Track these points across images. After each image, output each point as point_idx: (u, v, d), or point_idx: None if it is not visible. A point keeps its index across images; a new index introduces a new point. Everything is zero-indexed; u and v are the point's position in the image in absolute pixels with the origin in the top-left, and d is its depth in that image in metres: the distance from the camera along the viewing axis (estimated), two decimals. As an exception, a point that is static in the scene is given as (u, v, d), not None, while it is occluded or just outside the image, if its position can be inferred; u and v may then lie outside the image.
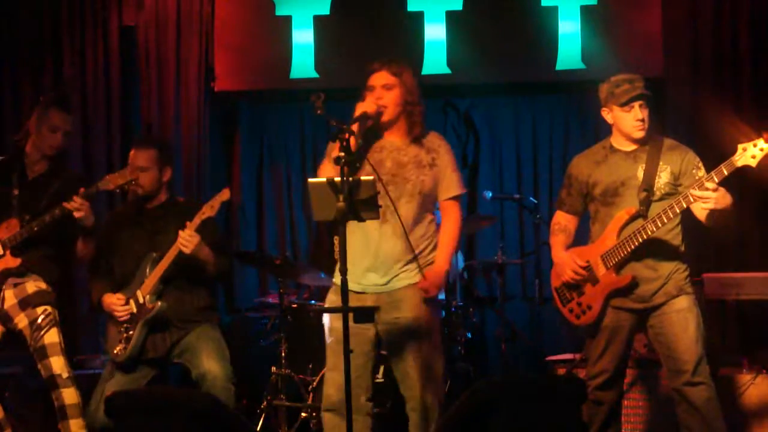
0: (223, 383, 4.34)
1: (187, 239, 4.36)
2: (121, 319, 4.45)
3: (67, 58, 6.59)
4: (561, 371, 5.08)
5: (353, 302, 3.87)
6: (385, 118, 4.02)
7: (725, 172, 3.74)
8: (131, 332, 4.42)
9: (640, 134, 4.06)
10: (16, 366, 5.03)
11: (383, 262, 3.97)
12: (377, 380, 4.74)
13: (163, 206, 4.62)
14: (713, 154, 6.26)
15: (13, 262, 4.46)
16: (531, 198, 6.54)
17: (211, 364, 4.37)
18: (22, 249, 4.47)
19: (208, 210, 4.43)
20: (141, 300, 4.44)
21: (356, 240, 3.94)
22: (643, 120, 4.04)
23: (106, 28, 6.64)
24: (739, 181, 6.21)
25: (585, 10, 6.55)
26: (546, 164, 6.95)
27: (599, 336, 4.11)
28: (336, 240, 4.16)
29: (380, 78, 4.04)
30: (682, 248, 4.07)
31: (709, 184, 3.74)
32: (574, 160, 4.29)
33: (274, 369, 5.40)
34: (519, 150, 7.00)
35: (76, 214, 4.37)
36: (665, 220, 3.89)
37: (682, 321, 3.98)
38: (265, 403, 5.40)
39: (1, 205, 4.51)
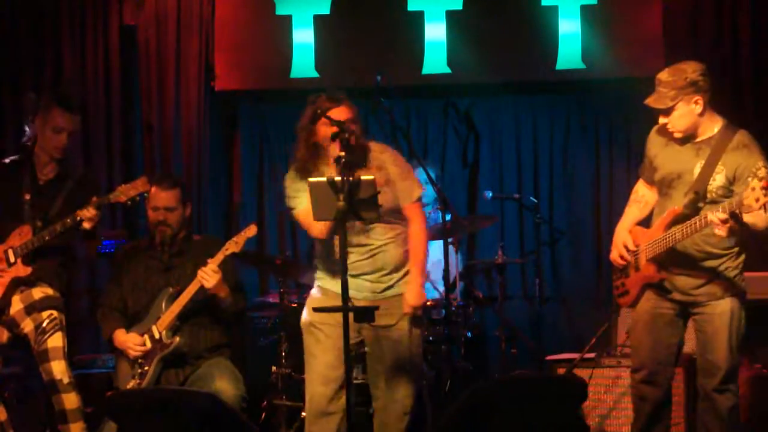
0: (233, 402, 4.27)
1: (209, 273, 4.35)
2: (134, 357, 4.44)
3: (67, 57, 6.59)
4: (561, 371, 5.07)
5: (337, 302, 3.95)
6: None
7: (736, 211, 3.58)
8: (146, 368, 4.40)
9: (675, 136, 3.94)
10: (16, 366, 5.02)
11: (376, 279, 4.07)
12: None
13: (180, 242, 4.62)
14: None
15: (23, 270, 4.43)
16: (531, 197, 6.54)
17: (222, 383, 4.33)
18: (32, 257, 4.44)
19: (233, 246, 4.42)
20: (157, 335, 4.43)
21: (349, 261, 3.95)
22: (666, 125, 3.92)
23: (107, 27, 6.63)
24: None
25: (585, 9, 6.54)
26: (546, 164, 6.94)
27: (637, 326, 4.06)
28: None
29: (343, 112, 3.99)
30: (733, 244, 3.93)
31: (719, 215, 3.59)
32: (653, 131, 4.10)
33: (274, 368, 5.40)
34: (519, 149, 7.00)
35: (86, 225, 4.35)
36: (688, 234, 3.78)
37: (723, 326, 3.91)
38: (265, 402, 5.40)
39: (12, 210, 4.47)
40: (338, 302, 3.94)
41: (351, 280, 3.91)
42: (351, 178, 3.54)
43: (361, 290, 4.05)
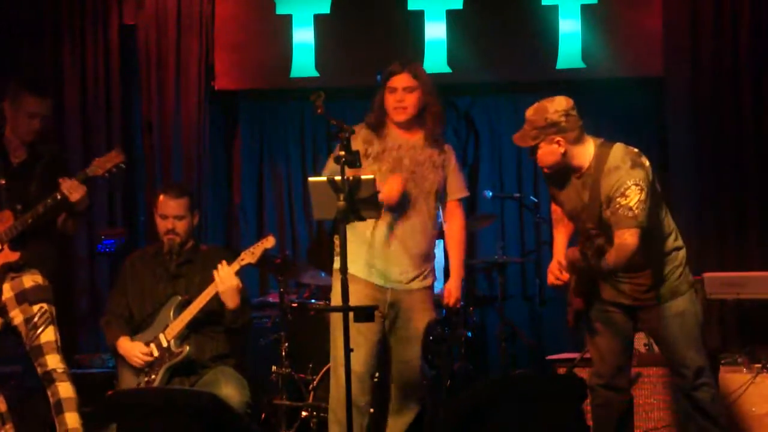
0: (239, 408, 4.22)
1: (225, 274, 4.33)
2: (138, 366, 4.42)
3: (67, 57, 6.59)
4: (561, 371, 5.07)
5: (374, 293, 4.01)
6: (403, 118, 4.11)
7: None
8: (153, 376, 4.36)
9: (546, 172, 3.93)
10: (15, 364, 5.02)
11: (406, 259, 4.07)
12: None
13: (188, 251, 4.60)
14: (713, 154, 6.32)
15: (12, 256, 4.40)
16: (531, 197, 6.54)
17: (228, 389, 4.30)
18: (19, 241, 4.41)
19: (249, 257, 4.40)
20: (165, 344, 4.40)
21: (379, 234, 4.03)
22: (534, 158, 3.91)
23: (106, 27, 6.63)
24: (740, 179, 6.25)
25: (585, 9, 6.54)
26: (546, 163, 6.93)
27: (588, 337, 4.06)
28: (336, 238, 4.18)
29: (402, 80, 4.08)
30: (662, 251, 3.91)
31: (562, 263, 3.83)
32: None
33: (274, 368, 5.39)
34: (519, 149, 6.91)
35: (75, 196, 4.32)
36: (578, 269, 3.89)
37: (680, 324, 3.91)
38: (265, 402, 5.40)
39: None
40: (370, 291, 4.05)
41: (381, 263, 4.00)
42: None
43: (387, 278, 4.07)
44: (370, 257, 4.06)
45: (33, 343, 4.39)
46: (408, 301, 4.11)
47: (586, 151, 3.86)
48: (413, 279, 4.11)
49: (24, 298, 4.42)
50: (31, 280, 4.46)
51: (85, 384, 4.63)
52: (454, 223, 4.25)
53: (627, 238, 3.68)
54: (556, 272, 3.98)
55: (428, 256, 4.19)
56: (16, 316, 4.42)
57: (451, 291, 4.19)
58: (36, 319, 4.41)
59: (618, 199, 3.69)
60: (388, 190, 3.99)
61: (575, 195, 3.91)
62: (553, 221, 4.22)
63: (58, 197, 4.34)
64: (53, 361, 4.39)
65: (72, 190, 4.33)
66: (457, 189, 4.24)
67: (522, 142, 3.87)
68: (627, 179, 3.72)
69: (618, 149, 3.84)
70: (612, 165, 3.78)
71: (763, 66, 6.34)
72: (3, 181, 4.43)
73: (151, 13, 6.62)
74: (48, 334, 4.41)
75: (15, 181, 4.44)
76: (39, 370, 4.40)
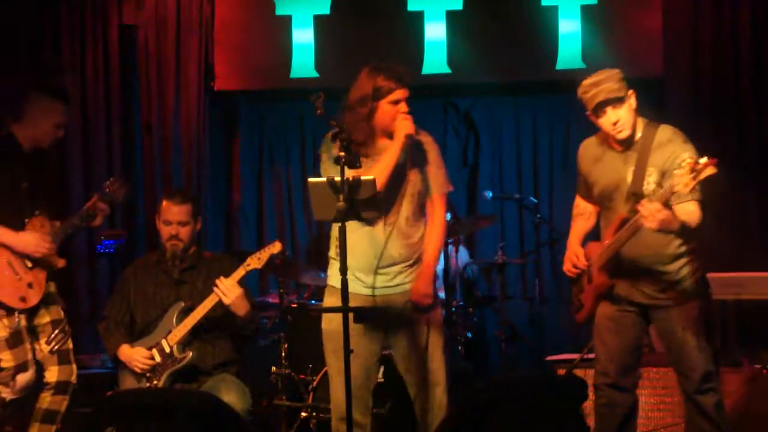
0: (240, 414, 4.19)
1: (228, 288, 4.32)
2: (141, 371, 4.41)
3: (67, 57, 6.59)
4: (561, 372, 5.07)
5: (361, 303, 3.89)
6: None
7: (669, 201, 3.63)
8: (155, 382, 4.36)
9: (622, 136, 3.86)
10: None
11: (391, 263, 3.97)
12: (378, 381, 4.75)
13: (191, 257, 4.60)
14: (713, 155, 6.31)
15: (61, 262, 4.40)
16: (531, 197, 6.54)
17: (230, 396, 4.28)
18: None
19: (255, 262, 4.39)
20: (168, 350, 4.40)
21: (362, 241, 3.93)
22: (617, 122, 3.83)
23: (106, 27, 6.63)
24: (740, 179, 6.25)
25: (585, 9, 6.55)
26: (546, 164, 6.95)
27: (601, 329, 4.03)
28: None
29: (404, 93, 3.99)
30: (686, 247, 3.93)
31: (650, 205, 3.58)
32: (581, 148, 4.11)
33: (274, 369, 5.39)
34: (519, 149, 7.00)
35: (99, 219, 4.44)
36: (631, 232, 3.78)
37: (690, 330, 3.89)
38: (264, 402, 5.39)
39: (11, 198, 4.34)
40: (360, 302, 3.91)
41: (364, 276, 3.90)
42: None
43: (374, 286, 3.96)
44: (359, 268, 3.95)
45: (62, 347, 4.38)
46: (399, 300, 3.98)
47: (638, 121, 3.91)
48: (402, 281, 4.00)
49: (54, 300, 4.43)
50: (53, 285, 4.45)
51: (85, 385, 4.62)
52: (434, 217, 4.08)
53: (691, 209, 3.72)
54: (574, 259, 4.01)
55: (418, 254, 4.03)
56: (43, 315, 4.40)
57: (418, 288, 3.98)
58: (65, 325, 4.41)
59: (676, 171, 3.63)
60: (406, 128, 3.91)
61: (614, 171, 3.91)
62: (573, 215, 4.20)
63: (94, 207, 4.37)
64: (75, 375, 4.41)
65: (103, 210, 4.43)
66: (438, 184, 4.07)
67: (617, 92, 3.79)
68: (682, 152, 3.77)
69: (666, 127, 3.90)
70: (665, 137, 3.85)
71: (763, 66, 6.34)
72: (25, 185, 4.37)
73: (151, 13, 6.63)
74: (70, 343, 4.43)
75: (34, 185, 4.42)
76: (59, 375, 4.37)
